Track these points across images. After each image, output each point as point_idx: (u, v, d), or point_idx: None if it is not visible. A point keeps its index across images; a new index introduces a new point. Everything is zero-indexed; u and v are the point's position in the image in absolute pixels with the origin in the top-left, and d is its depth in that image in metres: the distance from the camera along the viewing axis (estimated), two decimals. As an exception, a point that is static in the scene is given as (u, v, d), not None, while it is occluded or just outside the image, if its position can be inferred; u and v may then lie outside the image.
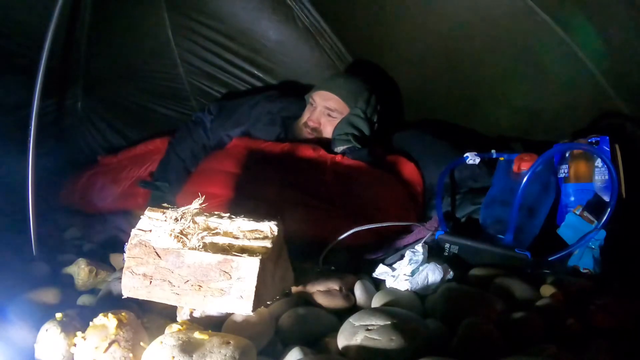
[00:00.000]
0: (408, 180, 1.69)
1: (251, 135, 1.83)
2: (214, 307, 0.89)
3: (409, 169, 1.72)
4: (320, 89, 1.85)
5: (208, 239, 0.92)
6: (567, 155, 1.47)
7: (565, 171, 1.47)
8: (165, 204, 1.00)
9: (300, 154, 1.67)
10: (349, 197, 1.55)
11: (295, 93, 2.03)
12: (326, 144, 1.77)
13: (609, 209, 1.28)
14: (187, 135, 1.90)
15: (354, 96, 1.82)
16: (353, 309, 1.09)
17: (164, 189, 1.78)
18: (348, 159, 1.67)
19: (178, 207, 0.97)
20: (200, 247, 0.90)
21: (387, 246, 1.46)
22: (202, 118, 1.92)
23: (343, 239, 1.37)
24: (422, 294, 1.14)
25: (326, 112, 1.81)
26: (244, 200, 1.51)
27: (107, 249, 1.56)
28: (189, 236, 0.92)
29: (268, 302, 1.02)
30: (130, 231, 0.93)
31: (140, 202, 1.80)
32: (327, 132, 1.82)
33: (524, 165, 1.43)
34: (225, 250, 0.90)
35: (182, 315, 1.00)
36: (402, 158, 1.77)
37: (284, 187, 1.55)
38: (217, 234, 0.93)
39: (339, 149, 1.73)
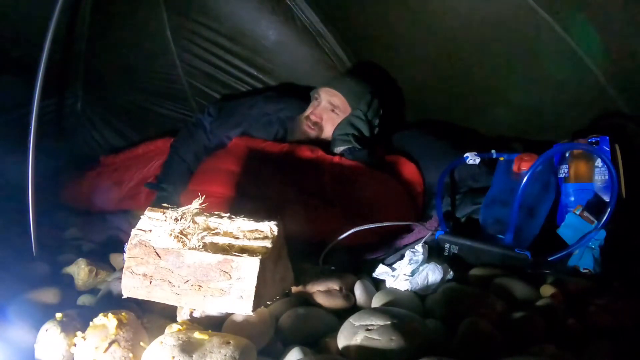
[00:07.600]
0: (408, 181, 1.69)
1: (251, 135, 1.85)
2: (214, 307, 0.89)
3: (409, 170, 1.73)
4: (327, 85, 1.89)
5: (208, 239, 0.92)
6: (567, 155, 1.47)
7: (565, 171, 1.47)
8: (165, 204, 1.00)
9: (299, 155, 1.68)
10: (349, 198, 1.56)
11: (295, 94, 2.04)
12: (325, 145, 1.78)
13: (609, 209, 1.28)
14: (188, 137, 1.92)
15: (357, 97, 1.86)
16: (353, 309, 1.09)
17: (168, 190, 1.78)
18: (347, 159, 1.67)
19: (178, 207, 0.96)
20: (200, 247, 0.90)
21: (387, 246, 1.46)
22: (201, 120, 1.93)
23: (343, 239, 1.37)
24: (422, 294, 1.14)
25: (329, 108, 1.84)
26: (244, 198, 1.51)
27: (107, 249, 1.55)
28: (189, 236, 0.92)
29: (268, 302, 1.02)
30: (130, 231, 0.93)
31: (143, 203, 1.80)
32: (327, 130, 1.83)
33: (524, 165, 1.43)
34: (225, 250, 0.90)
35: (182, 315, 1.00)
36: (402, 158, 1.78)
37: (285, 186, 1.56)
38: (217, 234, 0.93)
39: (339, 149, 1.74)
